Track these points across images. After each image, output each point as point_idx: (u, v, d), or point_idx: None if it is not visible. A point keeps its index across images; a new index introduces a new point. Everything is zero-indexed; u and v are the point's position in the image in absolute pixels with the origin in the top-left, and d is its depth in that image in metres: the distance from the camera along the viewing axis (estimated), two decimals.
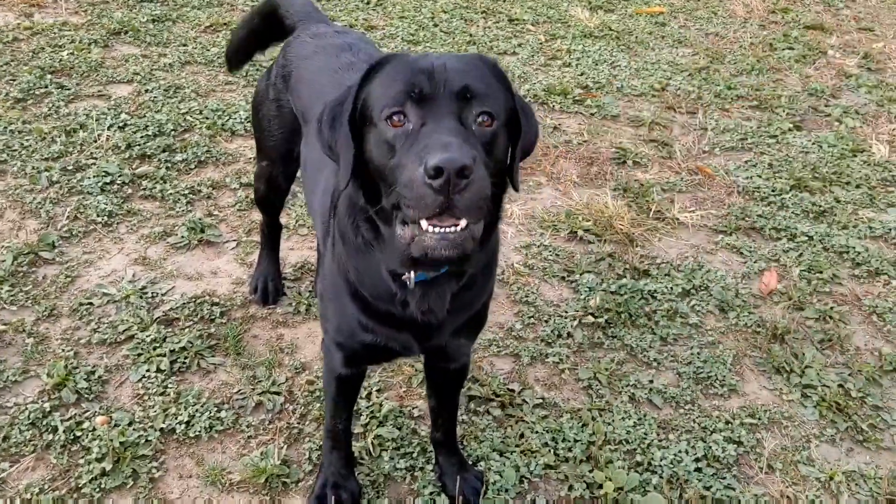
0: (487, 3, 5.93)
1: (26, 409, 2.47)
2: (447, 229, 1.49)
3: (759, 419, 2.75)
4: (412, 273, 1.73)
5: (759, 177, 4.12)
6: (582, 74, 5.01)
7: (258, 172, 2.77)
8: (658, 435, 2.64)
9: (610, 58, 5.28)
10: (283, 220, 3.09)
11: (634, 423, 2.67)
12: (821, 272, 3.44)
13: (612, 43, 5.51)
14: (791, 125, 4.66)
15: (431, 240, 1.50)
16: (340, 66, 2.28)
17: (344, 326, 1.96)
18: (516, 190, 1.72)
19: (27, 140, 3.72)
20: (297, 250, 3.20)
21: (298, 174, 2.65)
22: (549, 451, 2.53)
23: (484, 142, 1.55)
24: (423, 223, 1.50)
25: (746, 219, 3.79)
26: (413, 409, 2.65)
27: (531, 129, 1.72)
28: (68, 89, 4.17)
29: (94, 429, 2.43)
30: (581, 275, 3.32)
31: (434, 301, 1.79)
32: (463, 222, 1.50)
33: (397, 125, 1.55)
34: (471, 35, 5.36)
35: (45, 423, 2.44)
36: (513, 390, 2.75)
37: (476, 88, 1.55)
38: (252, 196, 3.38)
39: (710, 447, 2.60)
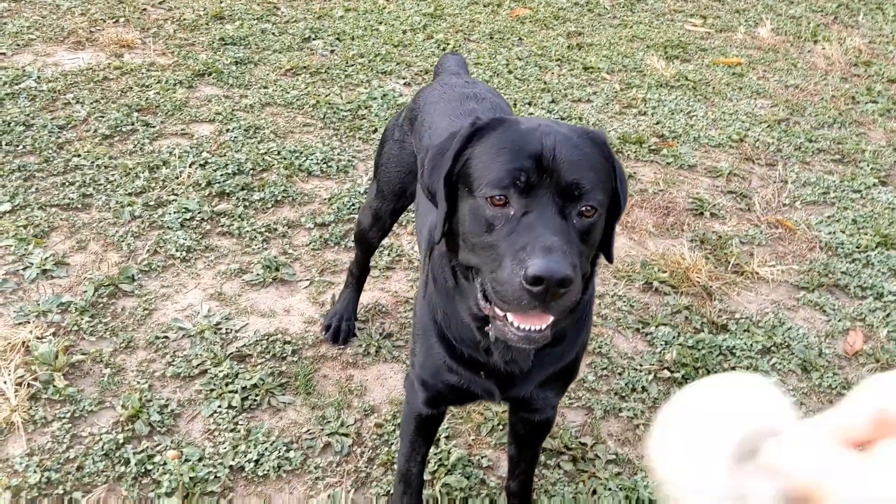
0: (562, 51, 5.94)
1: (100, 439, 2.50)
2: (532, 328, 1.51)
3: None
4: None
5: (843, 232, 3.98)
6: (658, 123, 4.96)
7: (367, 204, 2.81)
8: None
9: (686, 107, 5.22)
10: None
11: None
12: None
13: (688, 93, 5.45)
14: (876, 180, 4.51)
15: (513, 334, 1.53)
16: (462, 113, 2.30)
17: (429, 365, 1.94)
18: (610, 261, 1.70)
19: (112, 175, 3.84)
20: (367, 291, 3.20)
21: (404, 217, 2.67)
22: None
23: (583, 231, 1.54)
24: (509, 316, 1.52)
25: (830, 275, 3.65)
26: (482, 458, 2.60)
27: (624, 197, 1.68)
28: (153, 127, 4.30)
29: (165, 463, 2.44)
30: (656, 327, 3.23)
31: (518, 352, 1.76)
32: (550, 320, 1.51)
33: (498, 204, 1.53)
34: (545, 83, 5.37)
35: (117, 454, 2.46)
36: (585, 444, 2.67)
37: (584, 184, 1.52)
38: (346, 233, 3.42)
39: None
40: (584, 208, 1.52)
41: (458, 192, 1.64)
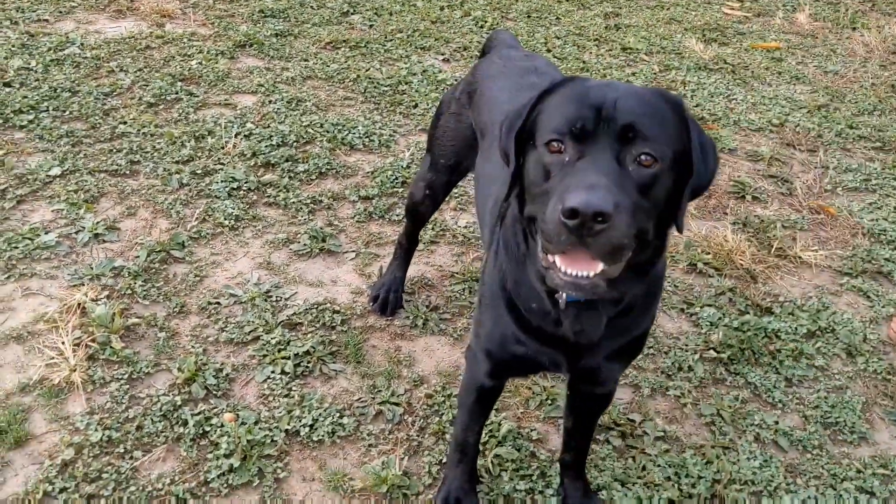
0: (600, 31, 5.91)
1: (158, 400, 2.54)
2: (579, 273, 1.49)
3: (892, 470, 2.62)
4: (563, 293, 1.71)
5: (885, 220, 3.97)
6: (697, 106, 4.94)
7: (419, 176, 2.81)
8: (785, 478, 2.54)
9: (726, 91, 5.19)
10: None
11: (760, 464, 2.58)
12: None
13: (727, 76, 5.42)
14: None
15: (561, 280, 1.51)
16: (523, 87, 2.29)
17: (496, 335, 1.95)
18: (679, 231, 1.66)
19: (159, 143, 3.86)
20: (413, 265, 3.21)
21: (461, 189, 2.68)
22: (673, 485, 2.46)
23: (641, 183, 1.50)
24: (557, 260, 1.50)
25: (873, 262, 3.64)
26: (531, 430, 2.62)
27: (707, 170, 1.64)
28: (197, 97, 4.32)
29: (223, 425, 2.48)
30: (701, 308, 3.24)
31: (588, 323, 1.77)
32: (599, 267, 1.49)
33: (555, 151, 1.54)
34: (584, 62, 5.35)
35: (175, 416, 2.50)
36: (633, 421, 2.69)
37: (641, 127, 1.50)
38: (401, 205, 3.45)
39: (841, 495, 2.49)
40: (641, 156, 1.50)
41: (526, 150, 1.66)
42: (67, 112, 4.01)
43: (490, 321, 1.97)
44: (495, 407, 2.68)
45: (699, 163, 1.60)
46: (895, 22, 6.81)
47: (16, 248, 3.09)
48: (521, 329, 1.88)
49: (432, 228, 3.53)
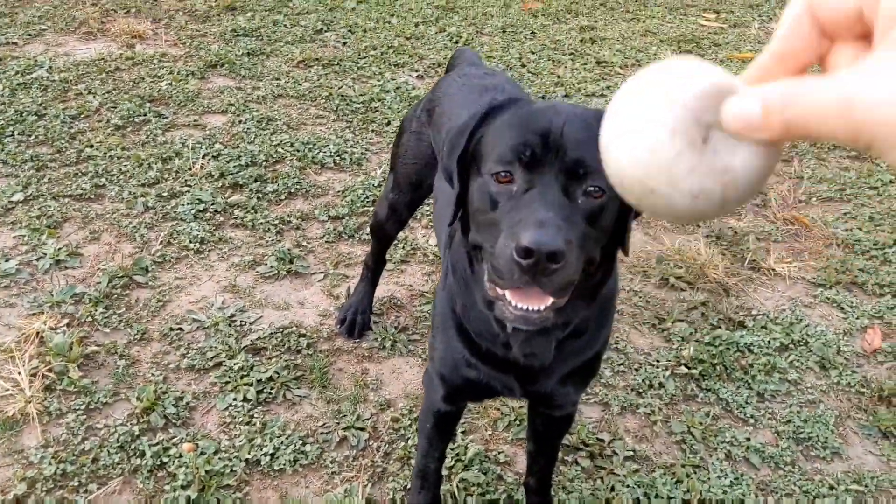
0: (575, 44, 5.91)
1: (116, 431, 2.48)
2: (530, 308, 1.46)
3: (867, 486, 2.58)
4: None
5: (860, 229, 3.95)
6: None
7: (383, 195, 2.78)
8: (757, 496, 2.50)
9: None
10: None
11: (731, 482, 2.54)
12: None
13: None
14: (892, 177, 4.47)
15: (511, 314, 1.48)
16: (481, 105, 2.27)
17: (448, 359, 1.91)
18: (626, 254, 1.64)
19: (125, 166, 3.82)
20: (382, 285, 3.17)
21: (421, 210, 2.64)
22: None
23: (589, 214, 1.47)
24: (508, 293, 1.48)
25: (847, 272, 3.62)
26: (499, 453, 2.57)
27: None
28: (165, 118, 4.28)
29: (181, 455, 2.42)
30: (673, 323, 3.21)
31: (538, 346, 1.73)
32: (549, 301, 1.46)
33: (503, 181, 1.50)
34: (558, 77, 5.33)
35: (133, 447, 2.44)
36: (602, 440, 2.65)
37: (590, 163, 1.45)
38: (367, 228, 3.41)
39: None
40: (590, 188, 1.46)
41: (470, 173, 1.62)
42: (33, 136, 3.96)
43: (442, 345, 1.93)
44: (463, 430, 2.64)
45: None
46: None
47: None
48: (471, 353, 1.84)
49: (402, 247, 3.49)
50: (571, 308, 1.59)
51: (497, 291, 1.51)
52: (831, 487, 2.57)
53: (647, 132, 0.70)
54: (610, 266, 1.67)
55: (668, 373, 2.95)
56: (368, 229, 3.12)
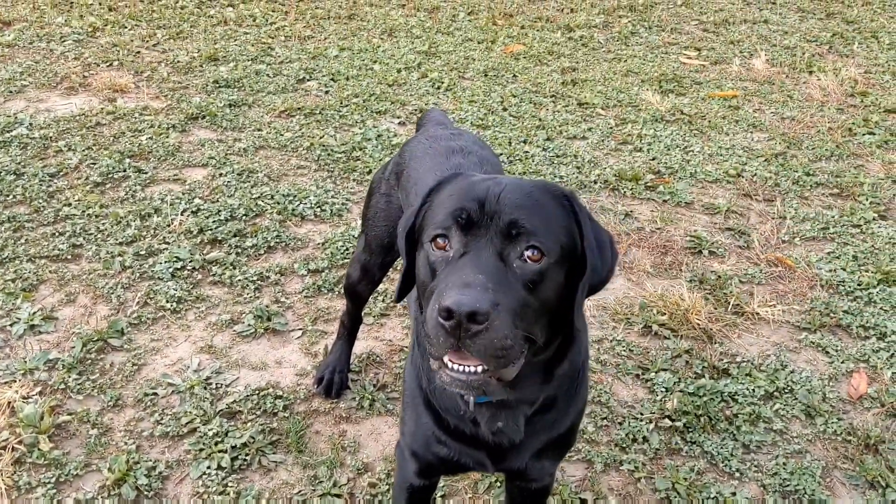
0: (557, 87, 5.93)
1: None
2: (466, 368, 1.43)
3: None
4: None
5: (844, 269, 3.93)
6: (654, 159, 4.93)
7: (355, 256, 2.76)
8: None
9: (682, 142, 5.19)
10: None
11: None
12: None
13: (684, 127, 5.43)
14: (875, 214, 4.46)
15: (447, 377, 1.46)
16: (448, 168, 2.25)
17: (419, 435, 1.88)
18: (575, 329, 1.60)
19: (103, 224, 3.80)
20: (361, 340, 3.14)
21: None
22: None
23: (527, 279, 1.45)
24: (446, 357, 1.45)
25: (831, 315, 3.59)
26: None
27: (604, 266, 1.59)
28: (145, 173, 4.27)
29: None
30: (656, 373, 3.17)
31: (506, 422, 1.70)
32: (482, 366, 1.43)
33: (440, 247, 1.50)
34: (540, 119, 5.35)
35: None
36: (585, 501, 2.60)
37: (525, 223, 1.45)
38: (338, 284, 3.38)
39: None
40: (527, 251, 1.45)
41: (417, 249, 1.62)
42: (10, 196, 3.95)
43: (412, 420, 1.89)
44: (442, 492, 2.59)
45: (595, 258, 1.55)
46: (852, 64, 6.89)
47: None
48: (440, 429, 1.81)
49: (382, 300, 3.46)
50: (527, 385, 1.56)
51: (438, 362, 1.48)
52: None
53: None
54: (567, 342, 1.63)
55: (651, 426, 2.91)
56: (343, 291, 3.09)
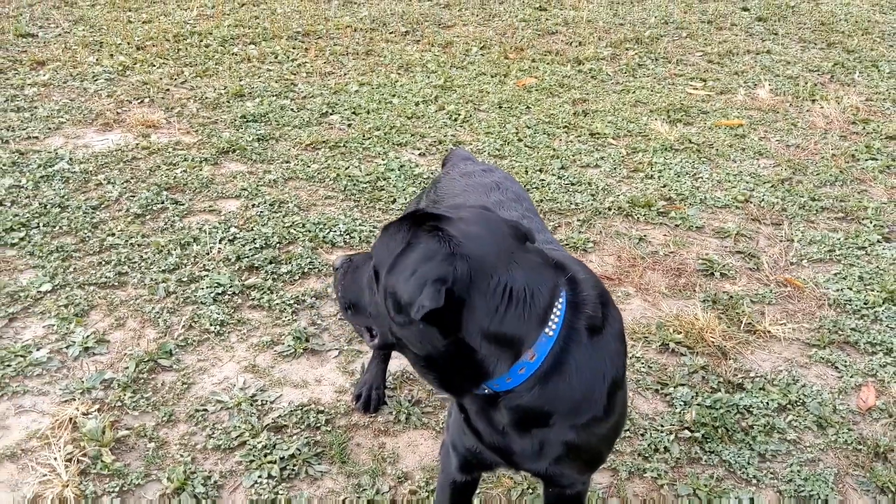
0: (569, 118, 6.17)
1: None
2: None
3: None
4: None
5: (850, 289, 4.11)
6: (664, 186, 5.14)
7: None
8: None
9: (692, 170, 5.40)
10: None
11: None
12: None
13: (692, 155, 5.64)
14: (879, 237, 4.65)
15: None
16: (490, 204, 2.44)
17: (456, 428, 2.07)
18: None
19: (146, 253, 4.01)
20: (396, 359, 3.33)
21: None
22: None
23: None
24: None
25: (839, 332, 3.77)
26: None
27: (400, 284, 1.83)
28: (182, 205, 4.49)
29: None
30: (675, 388, 3.35)
31: (490, 431, 1.96)
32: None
33: None
34: (554, 149, 5.57)
35: None
36: None
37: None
38: None
39: None
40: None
41: None
42: (57, 227, 4.17)
43: (453, 414, 2.09)
44: (478, 498, 2.76)
45: (389, 275, 1.82)
46: (853, 92, 7.12)
47: (8, 366, 3.20)
48: (467, 425, 2.01)
49: None
50: (483, 414, 1.95)
51: None
52: None
53: None
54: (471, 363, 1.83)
55: (672, 437, 3.09)
56: None
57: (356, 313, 2.02)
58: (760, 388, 3.38)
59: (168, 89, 6.17)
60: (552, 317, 1.80)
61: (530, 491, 2.81)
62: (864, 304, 3.98)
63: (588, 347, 1.86)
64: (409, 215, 1.91)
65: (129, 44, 7.12)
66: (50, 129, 5.35)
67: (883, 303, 3.99)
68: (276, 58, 7.08)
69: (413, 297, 1.69)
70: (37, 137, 5.22)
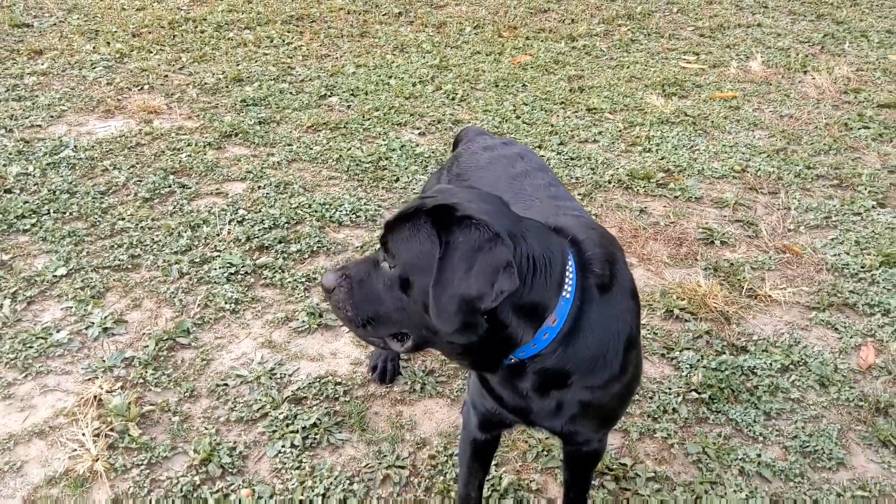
0: (565, 94, 6.23)
1: (178, 482, 2.70)
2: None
3: (870, 492, 2.80)
4: None
5: (847, 254, 4.21)
6: (662, 159, 5.22)
7: None
8: None
9: (688, 142, 5.48)
10: None
11: (746, 496, 2.76)
12: None
13: (688, 128, 5.72)
14: (874, 202, 4.75)
15: None
16: (517, 175, 2.50)
17: (476, 388, 2.16)
18: (440, 328, 1.82)
19: (157, 236, 4.08)
20: None
21: None
22: None
23: (386, 277, 1.87)
24: None
25: (838, 295, 3.87)
26: (531, 482, 2.79)
27: (465, 283, 1.77)
28: (189, 188, 4.55)
29: (241, 500, 2.63)
30: (681, 352, 3.44)
31: (511, 392, 2.02)
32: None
33: None
34: (552, 125, 5.64)
35: (196, 495, 2.67)
36: (625, 465, 2.87)
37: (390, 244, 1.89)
38: None
39: None
40: (388, 260, 1.84)
41: None
42: (67, 213, 4.22)
43: (474, 378, 2.18)
44: (495, 462, 2.86)
45: (451, 274, 1.75)
46: (844, 62, 7.19)
47: (31, 347, 3.27)
48: (483, 385, 2.10)
49: None
50: (504, 377, 2.01)
51: None
52: (839, 495, 2.79)
53: None
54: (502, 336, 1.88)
55: (679, 399, 3.18)
56: None
57: (377, 325, 1.90)
58: (763, 351, 3.48)
59: (167, 75, 6.20)
60: (566, 280, 1.88)
61: (545, 453, 2.90)
62: (861, 267, 4.08)
63: (601, 306, 1.94)
64: (416, 211, 1.83)
65: (124, 31, 7.13)
66: (52, 117, 5.39)
67: (879, 266, 4.09)
68: (271, 42, 7.11)
69: (483, 290, 1.69)
70: (40, 126, 5.26)
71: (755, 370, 3.35)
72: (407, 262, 1.79)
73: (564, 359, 1.93)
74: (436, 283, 1.71)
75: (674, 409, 3.14)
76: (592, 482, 2.77)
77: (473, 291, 1.69)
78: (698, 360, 3.39)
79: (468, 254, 1.70)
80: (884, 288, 3.93)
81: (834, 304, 3.82)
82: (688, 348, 3.47)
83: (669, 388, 3.25)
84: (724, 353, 3.46)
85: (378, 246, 1.91)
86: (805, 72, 6.95)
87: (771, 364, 3.39)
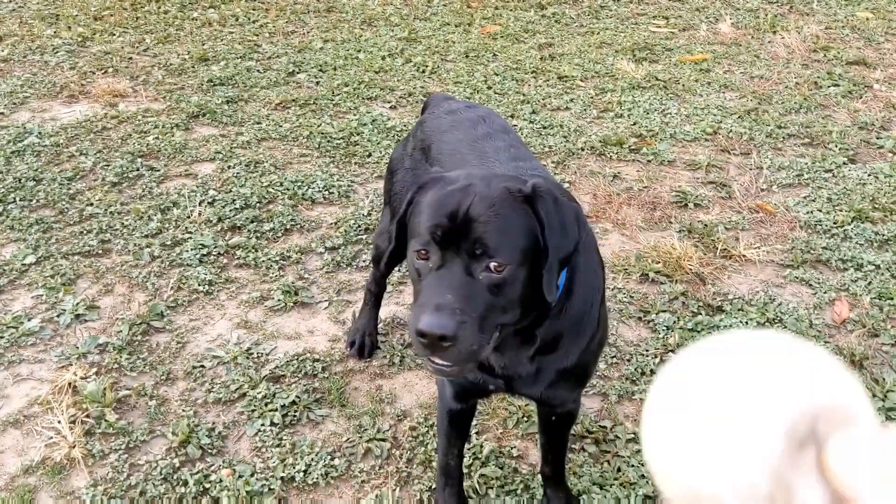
0: (536, 63, 6.19)
1: (157, 465, 2.68)
2: (442, 363, 1.70)
3: None
4: None
5: (820, 211, 4.24)
6: (635, 124, 5.21)
7: (382, 230, 2.99)
8: None
9: (660, 106, 5.48)
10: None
11: None
12: (891, 298, 3.54)
13: (660, 92, 5.71)
14: (845, 159, 4.78)
15: (430, 365, 1.73)
16: (479, 137, 2.48)
17: None
18: (550, 301, 1.79)
19: (126, 220, 4.02)
20: (386, 306, 3.39)
21: None
22: (647, 482, 2.65)
23: (492, 286, 1.69)
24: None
25: (811, 252, 3.90)
26: (511, 448, 2.80)
27: (569, 241, 1.78)
28: (158, 171, 4.49)
29: (221, 480, 2.62)
30: (657, 314, 3.46)
31: (511, 360, 2.00)
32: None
33: (423, 257, 1.75)
34: (524, 94, 5.61)
35: (175, 477, 2.64)
36: (605, 427, 2.89)
37: (488, 243, 1.67)
38: (356, 257, 3.63)
39: None
40: (490, 265, 1.68)
41: (408, 236, 1.85)
42: (34, 200, 4.15)
43: None
44: (476, 430, 2.86)
45: (557, 240, 1.74)
46: (812, 21, 7.21)
47: (2, 337, 3.22)
48: None
49: (398, 270, 3.71)
50: (511, 348, 1.94)
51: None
52: None
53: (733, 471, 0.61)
54: (545, 308, 1.87)
55: (657, 360, 3.20)
56: (369, 256, 3.33)
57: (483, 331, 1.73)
58: (739, 310, 3.50)
59: (131, 58, 6.10)
60: None
61: (525, 419, 2.91)
62: (834, 223, 4.11)
63: (581, 261, 1.97)
64: (502, 201, 1.75)
65: (85, 14, 7.00)
66: (15, 104, 5.28)
67: (851, 221, 4.12)
68: (236, 20, 7.00)
69: (575, 242, 1.79)
70: (3, 113, 5.15)
71: (731, 329, 3.36)
72: (515, 252, 1.71)
73: (562, 319, 1.96)
74: (552, 254, 1.73)
75: (652, 371, 3.15)
76: (573, 446, 2.79)
77: (571, 247, 1.77)
78: (675, 322, 3.41)
79: (555, 216, 1.74)
80: (856, 243, 3.96)
81: (807, 261, 3.84)
82: (664, 310, 3.49)
83: (647, 351, 3.26)
84: (700, 313, 3.48)
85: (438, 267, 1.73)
86: (774, 32, 6.95)
87: (747, 322, 3.41)
